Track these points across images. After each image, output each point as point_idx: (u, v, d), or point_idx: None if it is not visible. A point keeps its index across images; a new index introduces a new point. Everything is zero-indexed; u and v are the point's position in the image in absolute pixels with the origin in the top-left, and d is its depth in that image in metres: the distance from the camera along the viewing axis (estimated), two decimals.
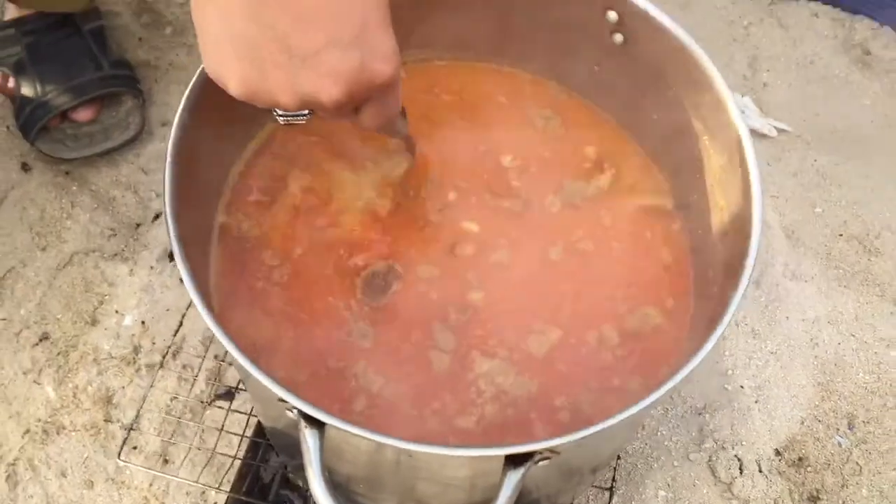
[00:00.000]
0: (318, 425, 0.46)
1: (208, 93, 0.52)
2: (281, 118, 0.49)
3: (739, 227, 0.57)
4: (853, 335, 0.90)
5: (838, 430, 0.85)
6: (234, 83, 0.46)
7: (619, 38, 0.65)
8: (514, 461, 0.47)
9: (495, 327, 0.61)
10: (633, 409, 0.47)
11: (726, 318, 0.52)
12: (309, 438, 0.45)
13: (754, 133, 1.02)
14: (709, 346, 0.51)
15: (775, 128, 1.02)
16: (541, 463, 0.48)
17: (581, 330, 0.62)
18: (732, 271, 0.56)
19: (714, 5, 1.11)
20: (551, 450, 0.46)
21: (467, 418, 0.57)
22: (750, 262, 0.54)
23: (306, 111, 0.49)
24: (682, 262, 0.65)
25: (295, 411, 0.46)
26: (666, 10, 1.06)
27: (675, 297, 0.64)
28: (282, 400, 0.46)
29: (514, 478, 0.46)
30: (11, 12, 1.06)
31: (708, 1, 1.11)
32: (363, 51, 0.45)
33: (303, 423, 0.45)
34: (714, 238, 0.63)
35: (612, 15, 0.64)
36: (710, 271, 0.62)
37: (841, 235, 0.96)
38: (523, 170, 0.69)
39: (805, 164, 1.00)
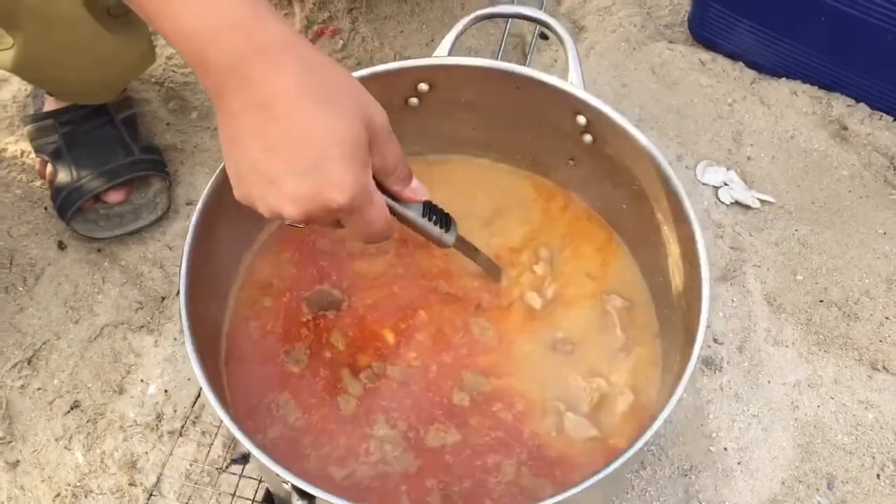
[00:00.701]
0: (308, 497, 0.52)
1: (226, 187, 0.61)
2: (288, 221, 0.58)
3: (692, 309, 0.64)
4: (832, 398, 0.95)
5: (818, 489, 0.90)
6: (235, 192, 0.59)
7: (588, 138, 0.73)
8: None
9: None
10: None
11: (678, 392, 0.58)
12: None
13: (739, 204, 1.08)
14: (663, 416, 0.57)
15: (759, 199, 1.08)
16: None
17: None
18: (688, 353, 0.62)
19: (700, 83, 1.18)
20: None
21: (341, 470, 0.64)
22: (698, 345, 0.60)
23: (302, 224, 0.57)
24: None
25: (289, 484, 0.53)
26: (654, 89, 1.14)
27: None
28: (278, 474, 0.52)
29: None
30: (50, 104, 1.16)
31: (694, 79, 1.18)
32: (317, 179, 0.54)
33: (295, 497, 0.52)
34: (676, 317, 0.69)
35: (582, 119, 0.72)
36: (674, 350, 0.68)
37: (821, 301, 1.01)
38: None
39: (787, 234, 1.06)
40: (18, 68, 1.00)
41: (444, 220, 0.66)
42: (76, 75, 1.04)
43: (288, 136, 0.53)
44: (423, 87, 0.74)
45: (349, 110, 0.54)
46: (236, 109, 0.54)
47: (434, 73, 0.74)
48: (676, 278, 0.68)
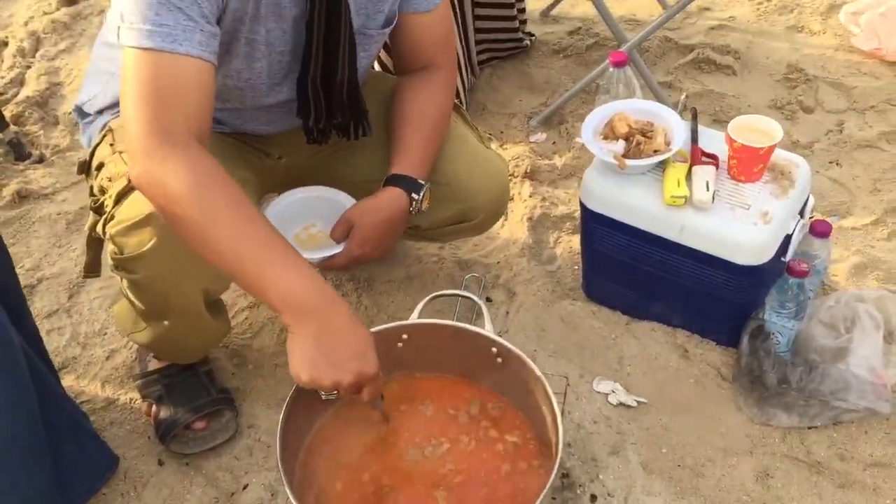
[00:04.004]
0: None
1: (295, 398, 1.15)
2: (324, 396, 1.12)
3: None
4: None
5: None
6: (305, 378, 1.12)
7: (500, 360, 1.28)
8: None
9: None
10: None
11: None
12: None
13: (622, 404, 1.61)
14: None
15: (636, 400, 1.62)
16: None
17: None
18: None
19: (593, 326, 1.75)
20: None
21: None
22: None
23: (335, 392, 1.12)
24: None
25: None
26: (563, 331, 1.71)
27: None
28: None
29: None
30: (154, 364, 1.70)
31: (589, 324, 1.75)
32: (361, 362, 1.11)
33: None
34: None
35: (495, 349, 1.28)
36: None
37: (679, 466, 1.51)
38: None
39: (655, 421, 1.58)
40: (150, 344, 1.56)
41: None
42: (184, 347, 1.60)
43: (347, 341, 1.11)
44: (405, 336, 1.31)
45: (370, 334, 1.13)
46: (314, 333, 1.11)
47: (410, 329, 1.31)
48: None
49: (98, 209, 1.38)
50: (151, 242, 1.27)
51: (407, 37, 1.50)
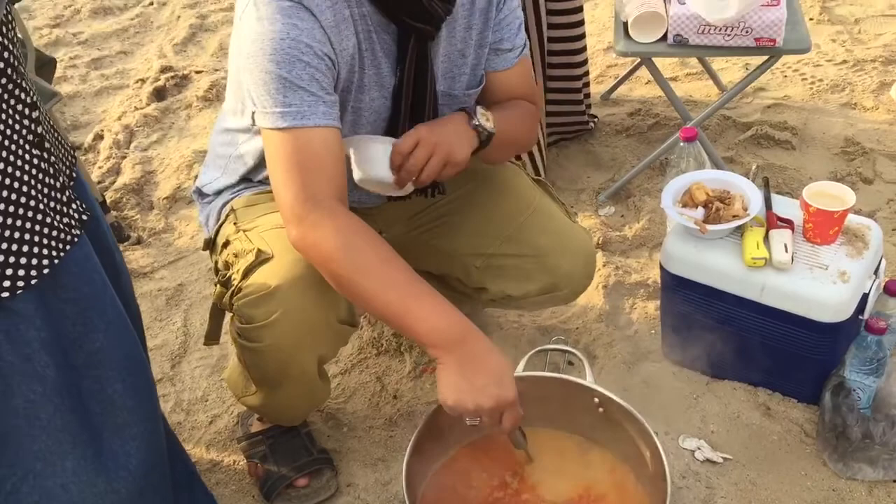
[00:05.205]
0: None
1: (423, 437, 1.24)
2: (468, 422, 1.23)
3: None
4: None
5: None
6: (451, 402, 1.24)
7: (601, 410, 1.36)
8: None
9: None
10: None
11: None
12: None
13: (709, 461, 1.67)
14: None
15: (722, 457, 1.67)
16: None
17: None
18: None
19: (674, 386, 1.82)
20: None
21: None
22: None
23: (478, 418, 1.22)
24: None
25: None
26: (645, 391, 1.78)
27: None
28: None
29: None
30: (257, 426, 1.80)
31: (670, 384, 1.82)
32: (500, 388, 1.22)
33: None
34: None
35: (596, 399, 1.36)
36: None
37: None
38: None
39: (742, 477, 1.63)
40: (259, 406, 1.66)
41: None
42: (292, 410, 1.69)
43: (487, 367, 1.22)
44: None
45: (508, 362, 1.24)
46: (457, 359, 1.23)
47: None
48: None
49: (225, 283, 1.50)
50: (277, 313, 1.39)
51: (492, 92, 1.59)
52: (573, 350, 1.53)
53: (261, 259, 1.42)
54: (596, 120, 2.69)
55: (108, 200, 2.57)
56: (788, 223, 1.65)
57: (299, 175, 1.29)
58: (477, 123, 1.45)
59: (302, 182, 1.29)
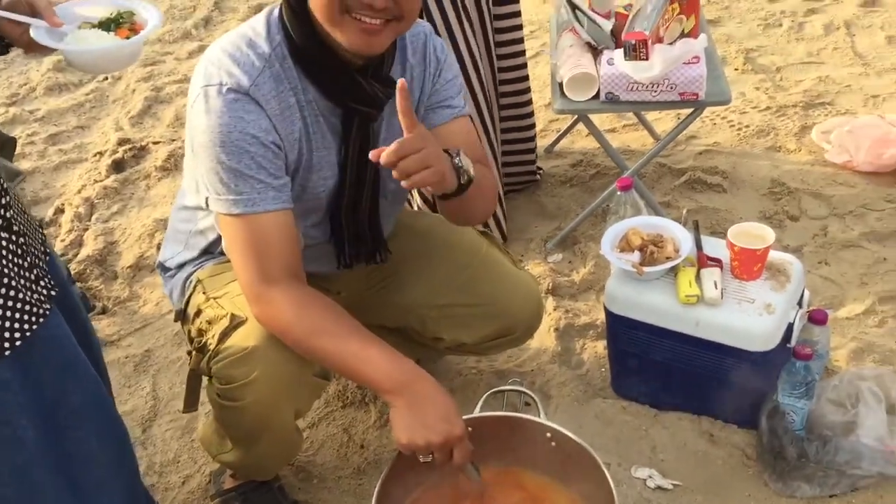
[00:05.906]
0: None
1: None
2: (421, 458, 1.34)
3: None
4: None
5: None
6: (404, 440, 1.35)
7: (554, 444, 1.47)
8: None
9: None
10: None
11: None
12: None
13: (660, 489, 1.78)
14: None
15: (672, 483, 1.79)
16: None
17: None
18: None
19: (625, 420, 1.93)
20: None
21: None
22: None
23: (431, 454, 1.32)
24: None
25: None
26: (598, 428, 1.89)
27: None
28: None
29: None
30: (229, 482, 1.87)
31: (621, 418, 1.94)
32: (449, 424, 1.33)
33: None
34: None
35: (548, 434, 1.47)
36: None
37: None
38: None
39: (691, 501, 1.75)
40: (234, 462, 1.73)
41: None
42: (267, 464, 1.76)
43: (434, 406, 1.33)
44: (470, 428, 1.50)
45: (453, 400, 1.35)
46: (407, 401, 1.34)
47: (470, 422, 1.50)
48: None
49: (201, 349, 1.58)
50: (256, 372, 1.48)
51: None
52: (526, 391, 1.65)
53: (235, 322, 1.52)
54: (541, 172, 2.84)
55: (71, 272, 2.63)
56: (717, 262, 1.79)
57: (254, 258, 1.42)
58: (459, 164, 1.44)
59: (257, 264, 1.42)
